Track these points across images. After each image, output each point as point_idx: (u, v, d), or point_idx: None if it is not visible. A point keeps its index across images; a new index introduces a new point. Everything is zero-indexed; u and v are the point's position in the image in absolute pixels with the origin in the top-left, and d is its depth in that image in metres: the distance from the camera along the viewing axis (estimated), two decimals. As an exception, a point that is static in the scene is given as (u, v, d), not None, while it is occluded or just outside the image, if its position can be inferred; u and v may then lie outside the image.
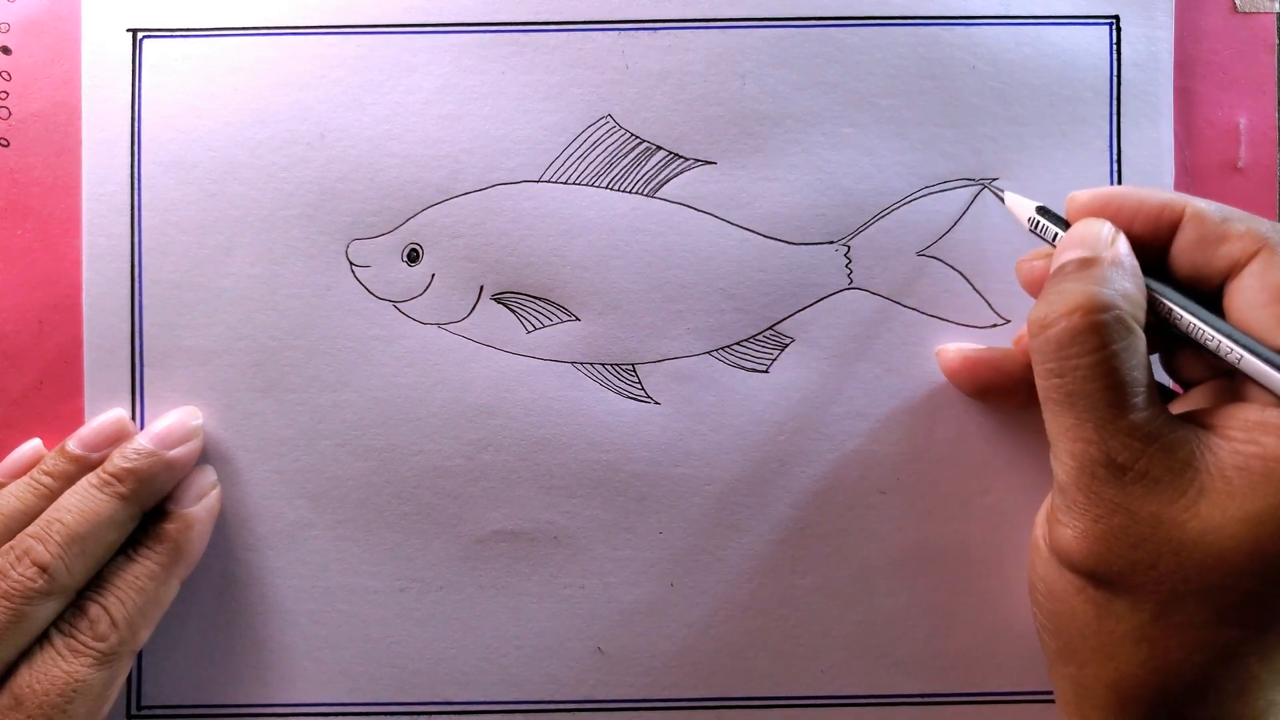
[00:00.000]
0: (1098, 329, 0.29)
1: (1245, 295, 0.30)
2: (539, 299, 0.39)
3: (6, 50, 0.40)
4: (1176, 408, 0.33)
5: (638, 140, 0.39)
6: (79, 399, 0.39)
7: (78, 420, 0.39)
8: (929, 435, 0.39)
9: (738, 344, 0.39)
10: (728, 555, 0.39)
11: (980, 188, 0.39)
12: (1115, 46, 0.40)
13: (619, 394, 0.39)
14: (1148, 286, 0.31)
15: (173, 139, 0.39)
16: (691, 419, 0.39)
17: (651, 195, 0.39)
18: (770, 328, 0.39)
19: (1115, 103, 0.39)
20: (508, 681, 0.39)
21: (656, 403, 0.39)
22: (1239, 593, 0.28)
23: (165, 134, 0.39)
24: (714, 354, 0.39)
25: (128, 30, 0.39)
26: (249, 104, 0.39)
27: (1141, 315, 0.30)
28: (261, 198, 0.39)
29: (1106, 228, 0.32)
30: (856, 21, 0.39)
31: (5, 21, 0.40)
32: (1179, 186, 0.40)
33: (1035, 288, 0.35)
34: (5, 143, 0.39)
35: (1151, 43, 0.40)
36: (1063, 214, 0.34)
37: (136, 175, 0.39)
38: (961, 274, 0.39)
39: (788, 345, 0.39)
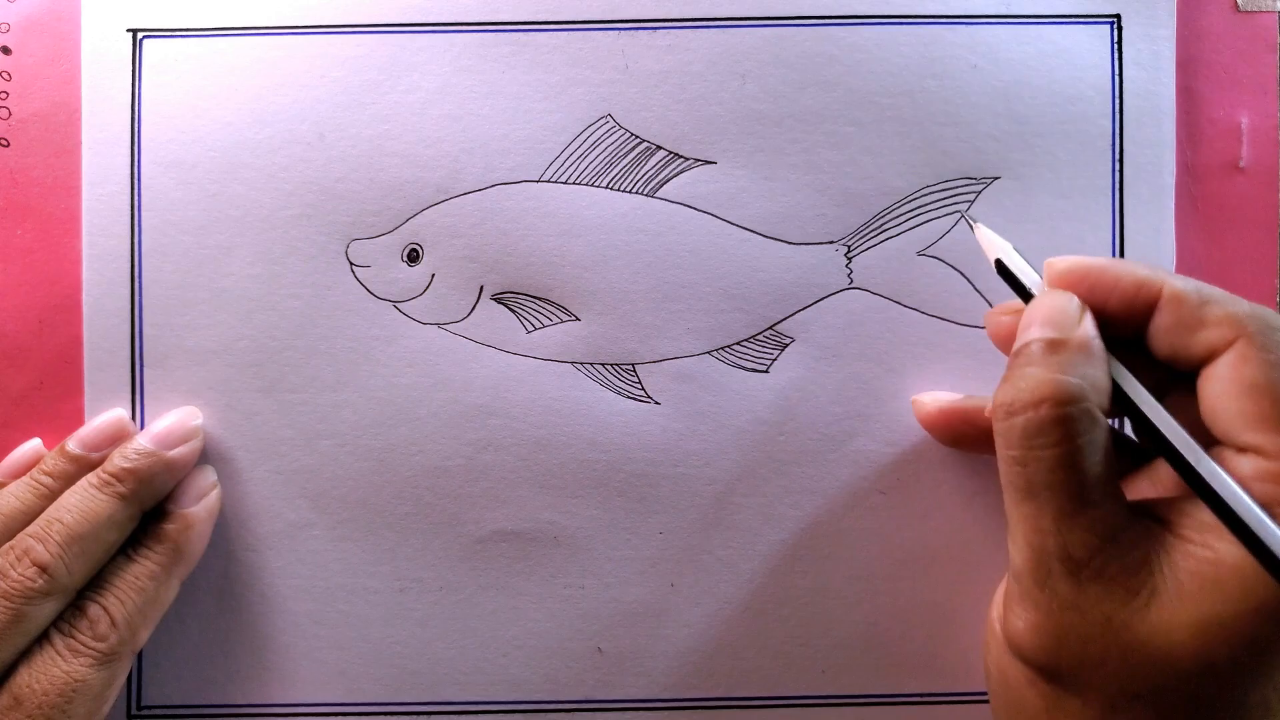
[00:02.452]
0: (1064, 421, 0.28)
1: (1217, 385, 0.29)
2: (539, 299, 0.39)
3: (6, 50, 0.40)
4: (1137, 488, 0.33)
5: (638, 140, 0.39)
6: (79, 399, 0.39)
7: (78, 420, 0.39)
8: (929, 435, 0.39)
9: (738, 344, 0.39)
10: (728, 555, 0.39)
11: (982, 187, 0.39)
12: (1116, 45, 0.39)
13: (619, 394, 0.39)
14: (1115, 374, 0.30)
15: (173, 139, 0.39)
16: (691, 419, 0.39)
17: (651, 195, 0.39)
18: (770, 328, 0.39)
19: (1117, 102, 0.39)
20: (508, 681, 0.39)
21: (656, 403, 0.39)
22: (1183, 697, 0.28)
23: (165, 134, 0.39)
24: (714, 354, 0.39)
25: (128, 30, 0.39)
26: (249, 104, 0.39)
27: (1106, 403, 0.29)
28: (261, 198, 0.39)
29: (1073, 305, 0.31)
30: (857, 20, 0.39)
31: (5, 21, 0.40)
32: (1180, 186, 0.40)
33: (1002, 342, 0.34)
34: (5, 143, 0.40)
35: (1153, 42, 0.39)
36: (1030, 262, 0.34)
37: (136, 175, 0.39)
38: (962, 274, 0.39)
39: (788, 345, 0.39)
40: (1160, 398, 0.31)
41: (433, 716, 0.39)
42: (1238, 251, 0.40)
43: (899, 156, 0.39)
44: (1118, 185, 0.39)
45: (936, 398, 0.38)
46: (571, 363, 0.39)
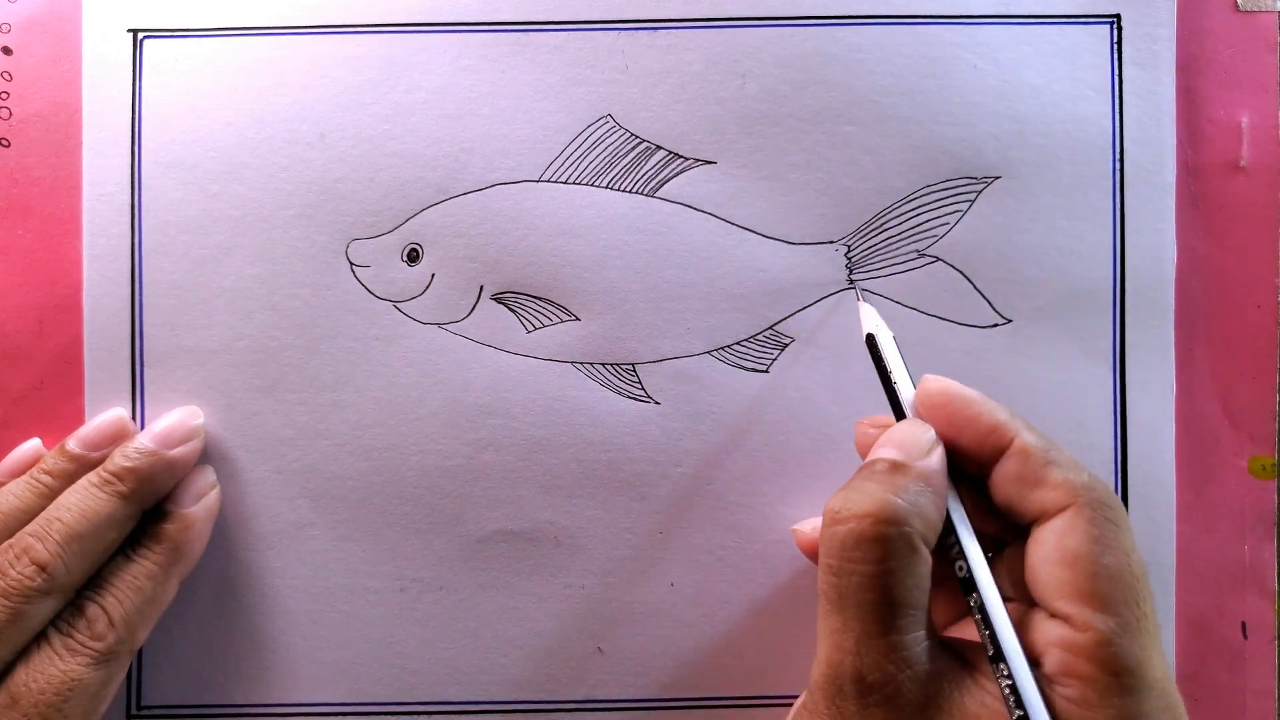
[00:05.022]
0: (882, 540, 0.29)
1: (1041, 549, 0.29)
2: (539, 299, 0.39)
3: (7, 50, 0.40)
4: (960, 626, 0.34)
5: (638, 140, 0.39)
6: (79, 399, 0.39)
7: (78, 420, 0.39)
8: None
9: (738, 344, 0.39)
10: (728, 555, 0.39)
11: (983, 186, 0.39)
12: (1116, 45, 0.39)
13: (619, 394, 0.39)
14: (950, 516, 0.31)
15: (173, 139, 0.39)
16: (691, 419, 0.39)
17: (651, 195, 0.39)
18: (770, 328, 0.39)
19: (1117, 101, 0.39)
20: (508, 681, 0.39)
21: (656, 403, 0.39)
22: None
23: (165, 134, 0.39)
24: (714, 354, 0.39)
25: (128, 30, 0.39)
26: (249, 104, 0.39)
27: (933, 537, 0.30)
28: (261, 198, 0.39)
29: (927, 437, 0.31)
30: (857, 20, 0.39)
31: (6, 22, 0.40)
32: (1181, 185, 0.40)
33: (864, 453, 0.35)
34: (5, 143, 0.40)
35: (1153, 41, 0.39)
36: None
37: (136, 175, 0.39)
38: (962, 274, 0.39)
39: (788, 345, 0.39)
40: (998, 548, 0.32)
41: (433, 716, 0.39)
42: (1238, 251, 0.40)
43: (899, 156, 0.39)
44: (1118, 185, 0.39)
45: (815, 525, 0.38)
46: (571, 363, 0.39)
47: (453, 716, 0.39)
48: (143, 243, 0.39)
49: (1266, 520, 0.40)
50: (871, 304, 0.38)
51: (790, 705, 0.39)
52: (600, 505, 0.39)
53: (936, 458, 0.31)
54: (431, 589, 0.39)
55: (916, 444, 0.31)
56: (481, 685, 0.39)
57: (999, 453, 0.31)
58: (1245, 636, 0.40)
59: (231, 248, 0.39)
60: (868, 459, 0.32)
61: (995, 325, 0.39)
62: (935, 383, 0.32)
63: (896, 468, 0.31)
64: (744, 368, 0.39)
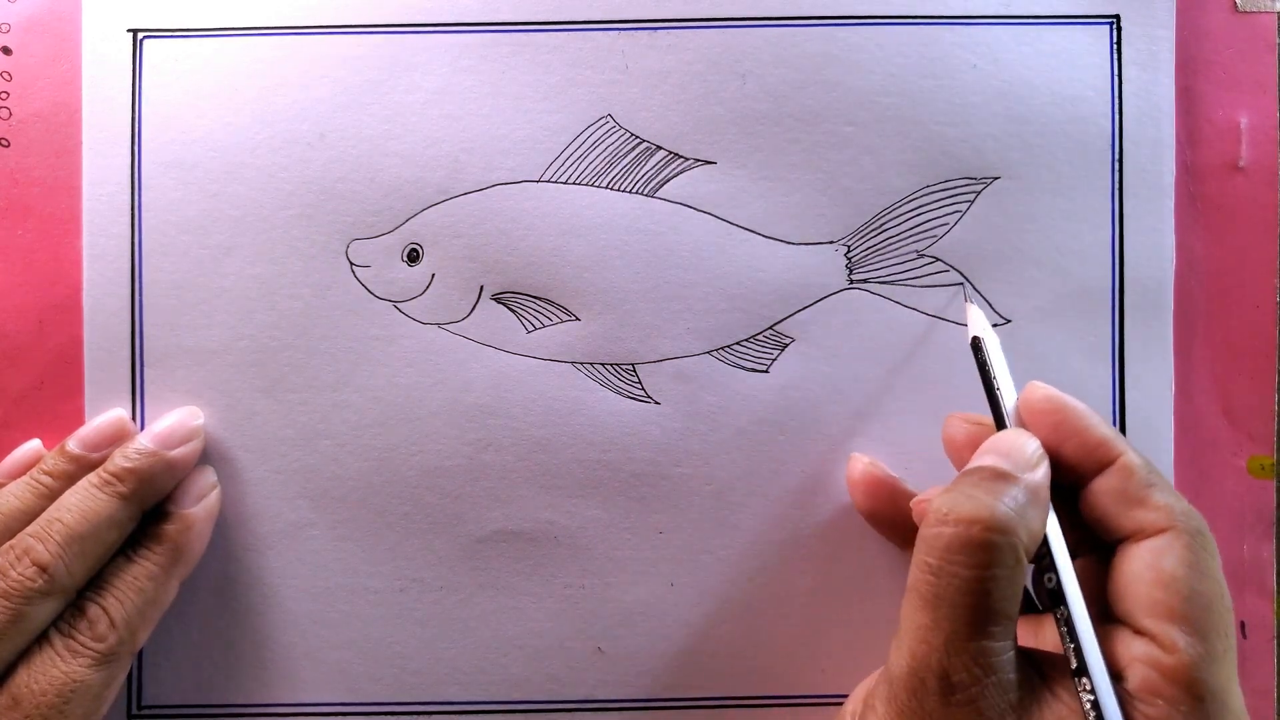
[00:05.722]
0: (989, 548, 0.29)
1: (1135, 566, 0.30)
2: (539, 299, 0.39)
3: (7, 50, 0.40)
4: (1039, 635, 0.34)
5: (638, 140, 0.39)
6: (79, 399, 0.39)
7: (78, 420, 0.39)
8: (929, 435, 0.39)
9: (738, 344, 0.39)
10: (728, 555, 0.39)
11: (982, 187, 0.39)
12: (1116, 46, 0.39)
13: (619, 394, 0.39)
14: (1048, 532, 0.31)
15: (173, 139, 0.39)
16: (691, 419, 0.39)
17: (651, 195, 0.39)
18: (770, 328, 0.39)
19: (1117, 102, 0.39)
20: (508, 681, 0.39)
21: (656, 403, 0.39)
22: None
23: (165, 134, 0.39)
24: (714, 354, 0.39)
25: (128, 30, 0.39)
26: (249, 104, 0.39)
27: (1034, 550, 0.30)
28: (261, 198, 0.39)
29: (1034, 447, 0.32)
30: (857, 21, 0.39)
31: (5, 22, 0.40)
32: (1180, 185, 0.40)
33: (951, 445, 0.35)
34: (5, 143, 0.40)
35: (1152, 42, 0.39)
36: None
37: (136, 175, 0.39)
38: (962, 274, 0.39)
39: (788, 345, 0.39)
40: (1073, 558, 0.32)
41: (433, 716, 0.39)
42: (1238, 251, 0.40)
43: (899, 156, 0.39)
44: (1118, 185, 0.39)
45: (873, 463, 0.38)
46: (571, 363, 0.39)
47: (453, 716, 0.39)
48: (143, 243, 0.39)
49: (1265, 520, 0.40)
50: (976, 305, 0.37)
51: (789, 705, 0.39)
52: (600, 505, 0.39)
53: (1043, 471, 0.31)
54: (431, 589, 0.39)
55: (1024, 455, 0.31)
56: (481, 685, 0.39)
57: (1101, 467, 0.31)
58: (1244, 636, 0.40)
59: (231, 248, 0.39)
60: (973, 464, 0.32)
61: (994, 325, 0.39)
62: (1041, 390, 0.33)
63: (1005, 476, 0.31)
64: (744, 368, 0.39)
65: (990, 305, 0.39)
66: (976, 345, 0.35)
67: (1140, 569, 0.30)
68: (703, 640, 0.39)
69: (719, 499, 0.39)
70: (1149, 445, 0.39)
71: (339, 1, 0.39)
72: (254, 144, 0.39)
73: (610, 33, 0.39)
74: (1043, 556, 0.31)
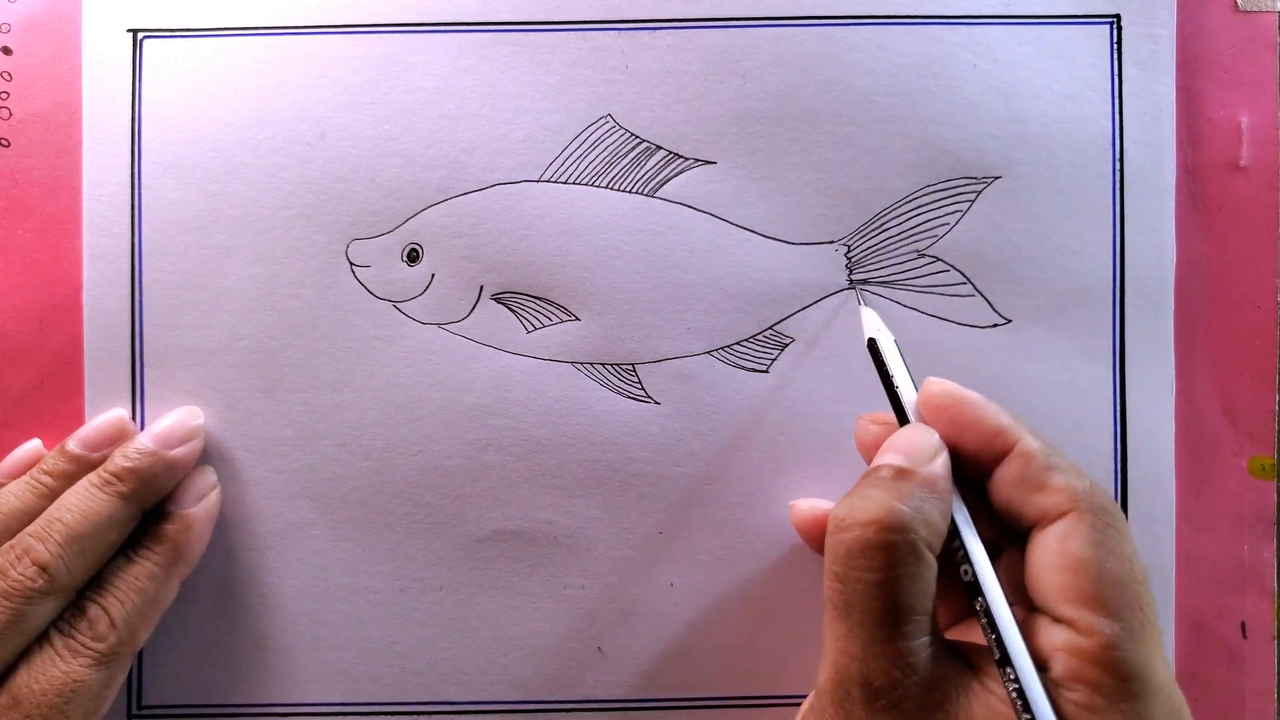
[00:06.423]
0: (887, 548, 0.29)
1: (1044, 555, 0.30)
2: (539, 299, 0.39)
3: (7, 50, 0.40)
4: (963, 628, 0.34)
5: (638, 140, 0.39)
6: (79, 399, 0.39)
7: (78, 420, 0.39)
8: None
9: (738, 344, 0.39)
10: (728, 555, 0.39)
11: (983, 186, 0.39)
12: (1116, 45, 0.39)
13: (619, 394, 0.39)
14: (955, 521, 0.31)
15: (173, 139, 0.39)
16: (691, 419, 0.39)
17: (651, 195, 0.39)
18: (770, 328, 0.39)
19: (1117, 101, 0.39)
20: (508, 681, 0.39)
21: (656, 403, 0.39)
22: None
23: (165, 134, 0.39)
24: (714, 354, 0.39)
25: (128, 30, 0.39)
26: (249, 104, 0.39)
27: (938, 543, 0.30)
28: (261, 198, 0.39)
29: (932, 442, 0.32)
30: (857, 21, 0.39)
31: (5, 22, 0.40)
32: (1181, 185, 0.40)
33: (864, 449, 0.35)
34: (5, 143, 0.40)
35: (1153, 41, 0.39)
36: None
37: (136, 175, 0.39)
38: (962, 274, 0.39)
39: (788, 345, 0.39)
40: (997, 551, 0.32)
41: (433, 716, 0.39)
42: (1238, 251, 0.40)
43: (899, 156, 0.39)
44: (1118, 185, 0.39)
45: (814, 504, 0.38)
46: (571, 363, 0.39)
47: (453, 716, 0.39)
48: (143, 243, 0.39)
49: (1266, 520, 0.40)
50: (873, 306, 0.38)
51: (789, 705, 0.39)
52: (600, 505, 0.39)
53: (941, 463, 0.31)
54: (431, 589, 0.39)
55: (921, 449, 0.31)
56: (481, 685, 0.39)
57: (1001, 456, 0.31)
58: (1245, 636, 0.40)
59: (231, 248, 0.39)
60: (872, 465, 0.32)
61: (995, 325, 0.39)
62: (937, 385, 0.33)
63: (901, 474, 0.31)
64: (744, 368, 0.39)
65: (990, 305, 0.39)
66: (873, 346, 0.35)
67: (1049, 556, 0.29)
68: (702, 640, 0.39)
69: (719, 499, 0.39)
70: (1149, 446, 0.39)
71: (338, 1, 0.39)
72: (254, 144, 0.39)
73: (610, 33, 0.39)
74: (958, 549, 0.31)
